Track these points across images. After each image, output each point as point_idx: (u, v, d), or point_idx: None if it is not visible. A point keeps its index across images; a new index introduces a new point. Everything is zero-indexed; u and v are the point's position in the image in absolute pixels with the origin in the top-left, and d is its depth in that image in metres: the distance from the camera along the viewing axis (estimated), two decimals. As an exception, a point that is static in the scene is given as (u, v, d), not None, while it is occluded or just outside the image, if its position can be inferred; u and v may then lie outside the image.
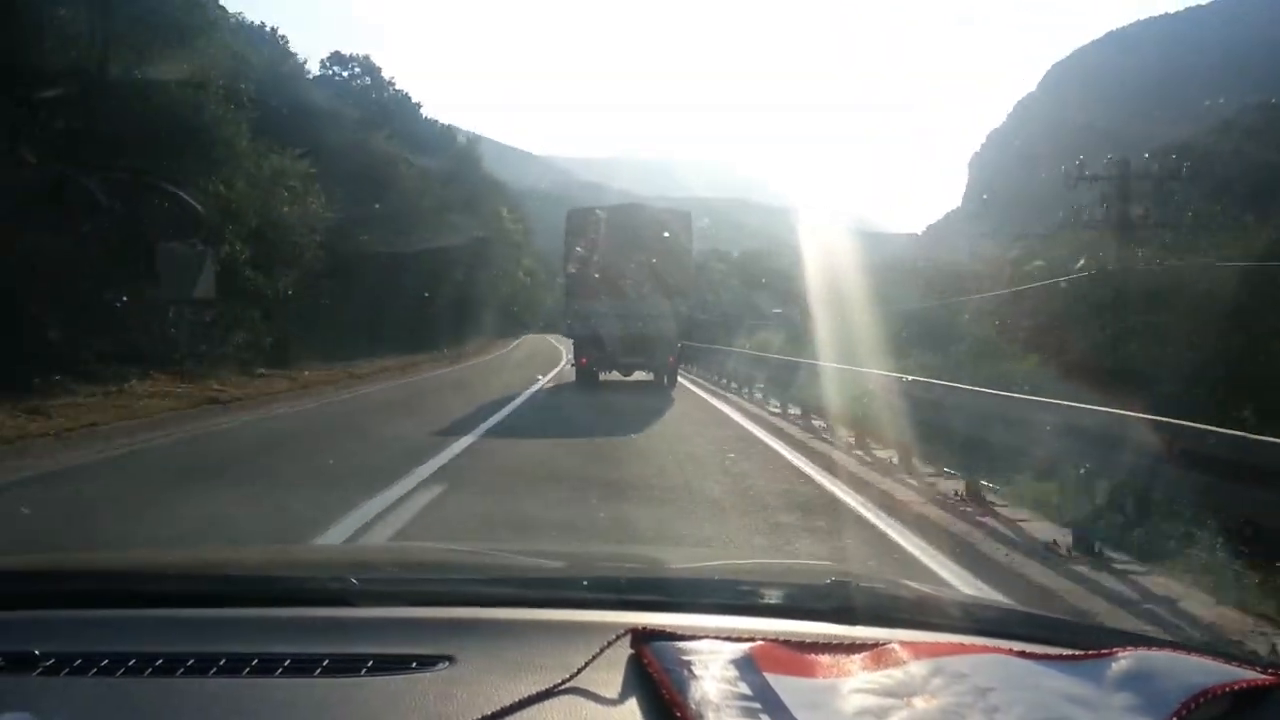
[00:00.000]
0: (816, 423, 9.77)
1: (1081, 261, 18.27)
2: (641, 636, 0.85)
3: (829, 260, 23.92)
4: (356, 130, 30.57)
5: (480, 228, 37.94)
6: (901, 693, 0.79)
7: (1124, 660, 0.82)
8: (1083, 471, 4.43)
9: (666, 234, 16.41)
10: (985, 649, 0.87)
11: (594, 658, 0.82)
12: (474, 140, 54.64)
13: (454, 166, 42.34)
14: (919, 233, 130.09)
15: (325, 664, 0.79)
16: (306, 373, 17.92)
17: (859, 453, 7.74)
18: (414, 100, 49.12)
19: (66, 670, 0.77)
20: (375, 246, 25.38)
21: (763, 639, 0.87)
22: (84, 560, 1.28)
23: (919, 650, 0.85)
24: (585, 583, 1.11)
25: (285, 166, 21.03)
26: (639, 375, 16.46)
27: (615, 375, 16.52)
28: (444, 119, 55.43)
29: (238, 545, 3.83)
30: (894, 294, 22.27)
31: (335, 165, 24.56)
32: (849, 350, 12.60)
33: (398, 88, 46.86)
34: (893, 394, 7.56)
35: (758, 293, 37.07)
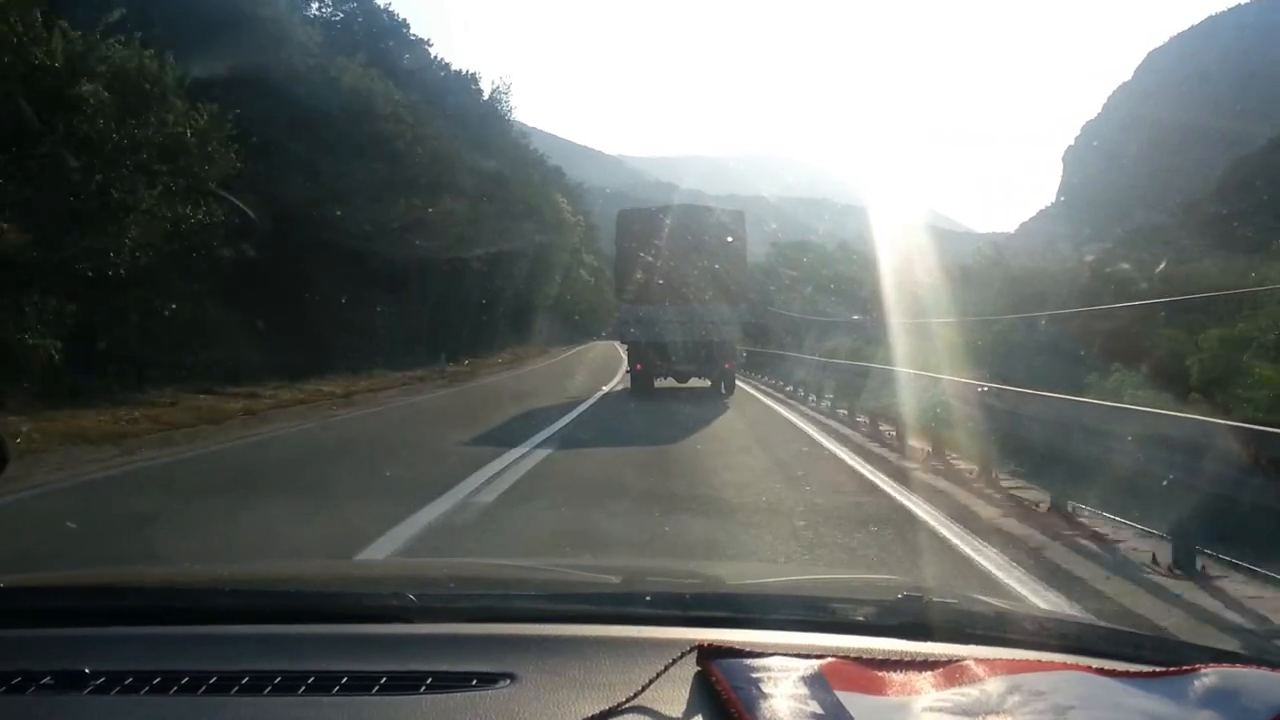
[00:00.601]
0: (885, 429, 9.58)
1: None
2: (708, 653, 0.84)
3: (907, 262, 23.30)
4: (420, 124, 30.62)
5: (538, 224, 37.34)
6: (977, 711, 0.77)
7: (1208, 677, 0.80)
8: (1170, 482, 4.23)
9: (719, 235, 16.30)
10: (1064, 666, 0.85)
11: (659, 675, 0.81)
12: (525, 133, 55.37)
13: (510, 160, 42.73)
14: (1010, 231, 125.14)
15: (383, 681, 0.79)
16: (363, 381, 18.04)
17: (934, 463, 7.55)
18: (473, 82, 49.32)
19: (117, 689, 0.76)
20: (435, 252, 25.80)
21: (833, 655, 0.86)
22: (137, 576, 1.29)
23: (995, 667, 0.83)
24: (648, 598, 1.09)
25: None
26: (695, 382, 16.34)
27: (671, 382, 16.42)
28: (515, 116, 56.04)
29: (296, 558, 3.93)
30: (974, 298, 21.49)
31: (399, 174, 25.18)
32: (927, 357, 12.26)
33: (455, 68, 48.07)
34: (969, 402, 7.35)
35: (828, 296, 36.51)
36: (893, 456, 8.16)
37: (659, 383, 16.23)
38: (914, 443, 8.32)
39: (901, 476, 7.09)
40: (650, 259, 15.86)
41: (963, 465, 7.26)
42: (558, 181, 57.02)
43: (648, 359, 15.87)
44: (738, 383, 17.30)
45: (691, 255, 15.80)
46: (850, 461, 8.05)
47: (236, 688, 0.78)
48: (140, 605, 0.99)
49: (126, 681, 0.75)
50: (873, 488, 6.66)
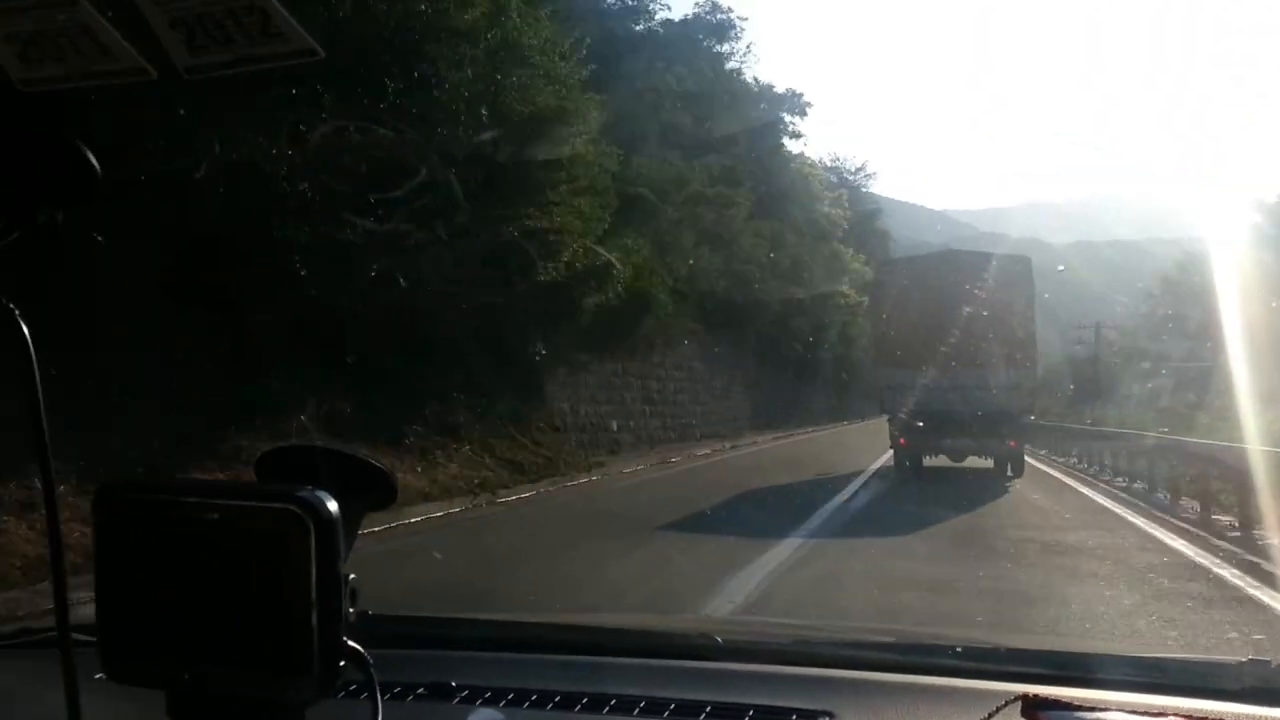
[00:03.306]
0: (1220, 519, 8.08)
1: None
2: (1034, 703, 0.83)
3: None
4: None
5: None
6: None
7: None
8: None
9: (1000, 285, 14.51)
10: None
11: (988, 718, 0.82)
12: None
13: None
14: None
15: (708, 710, 0.86)
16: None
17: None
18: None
19: (480, 700, 0.88)
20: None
21: (1174, 715, 0.84)
22: (491, 616, 1.52)
23: None
24: (958, 650, 1.12)
25: None
26: (974, 461, 14.66)
27: (944, 460, 14.87)
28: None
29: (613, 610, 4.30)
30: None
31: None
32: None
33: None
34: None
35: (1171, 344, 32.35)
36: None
37: (929, 460, 14.91)
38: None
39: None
40: (914, 316, 14.56)
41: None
42: (878, 244, 54.32)
43: (914, 433, 14.39)
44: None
45: (965, 310, 14.18)
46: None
47: (579, 706, 0.88)
48: (491, 636, 1.18)
49: (485, 695, 0.87)
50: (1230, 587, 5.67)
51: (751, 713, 0.86)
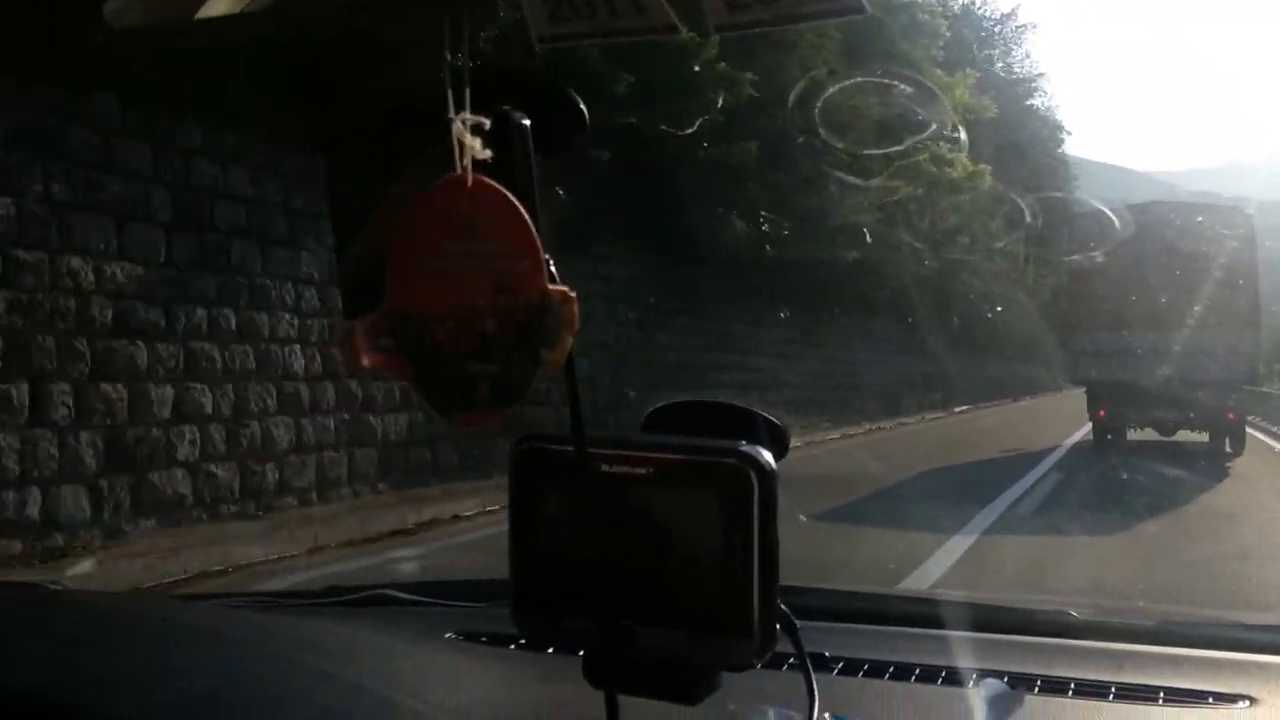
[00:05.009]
0: None
1: None
2: None
3: None
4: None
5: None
6: None
7: None
8: None
9: (1214, 241, 13.14)
10: None
11: None
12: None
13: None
14: None
15: (1114, 690, 0.87)
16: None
17: None
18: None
19: (862, 673, 0.93)
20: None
21: None
22: (835, 588, 1.53)
23: None
24: None
25: None
26: (1185, 435, 13.40)
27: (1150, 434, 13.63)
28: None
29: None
30: None
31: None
32: None
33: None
34: None
35: None
36: None
37: (1133, 434, 13.74)
38: None
39: None
40: (1114, 274, 13.27)
41: None
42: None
43: (1114, 403, 13.31)
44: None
45: (1177, 268, 12.94)
46: None
47: (940, 679, 0.90)
48: (836, 606, 1.20)
49: (864, 669, 0.91)
50: None
51: (1162, 694, 0.87)
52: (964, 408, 27.55)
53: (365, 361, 0.45)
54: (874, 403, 23.18)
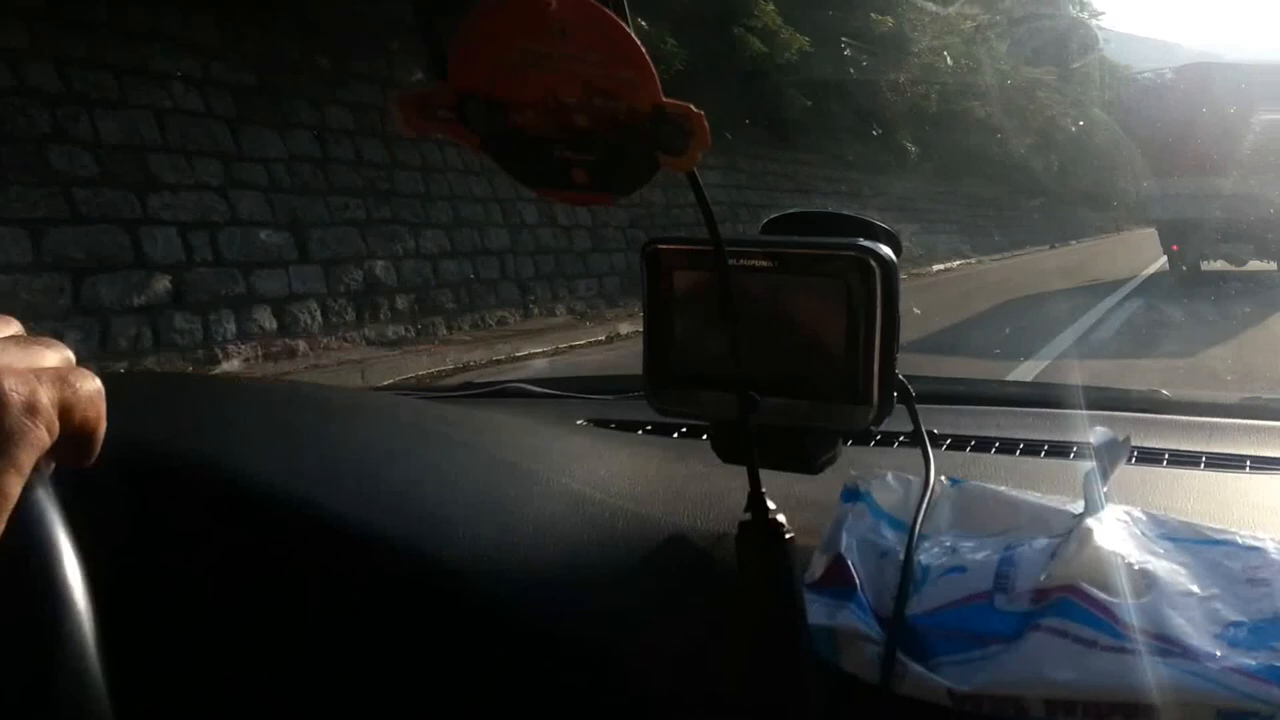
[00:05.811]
0: None
1: None
2: None
3: None
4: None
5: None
6: None
7: None
8: None
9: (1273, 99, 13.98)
10: None
11: None
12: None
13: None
14: None
15: (1204, 459, 0.88)
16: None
17: None
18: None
19: (969, 448, 0.92)
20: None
21: None
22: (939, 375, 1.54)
23: None
24: None
25: None
26: (1255, 265, 14.46)
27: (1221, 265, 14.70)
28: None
29: None
30: None
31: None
32: None
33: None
34: None
35: None
36: None
37: (1206, 266, 14.79)
38: None
39: None
40: (1177, 128, 14.52)
41: None
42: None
43: (1187, 236, 14.31)
44: None
45: (1253, 121, 14.02)
46: None
47: (1043, 451, 0.89)
48: (944, 391, 1.20)
49: (971, 445, 0.91)
50: None
51: (1249, 462, 0.86)
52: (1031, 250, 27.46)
53: (412, 129, 0.43)
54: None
